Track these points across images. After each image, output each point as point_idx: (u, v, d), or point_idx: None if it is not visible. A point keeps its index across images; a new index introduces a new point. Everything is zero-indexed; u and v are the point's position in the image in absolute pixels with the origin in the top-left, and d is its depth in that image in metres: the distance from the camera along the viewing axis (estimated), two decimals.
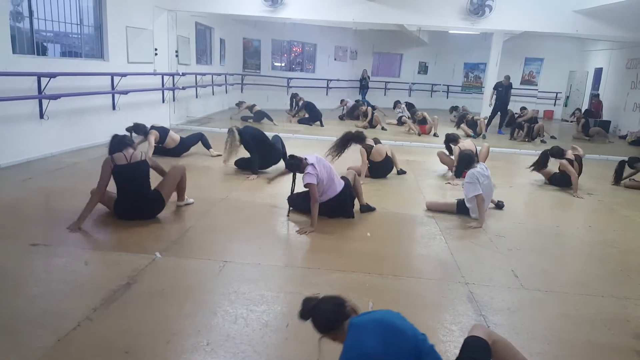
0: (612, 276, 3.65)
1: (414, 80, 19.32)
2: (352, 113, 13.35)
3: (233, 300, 2.89)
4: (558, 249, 4.20)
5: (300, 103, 12.43)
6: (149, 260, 3.37)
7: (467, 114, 12.35)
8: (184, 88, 10.38)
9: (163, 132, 6.84)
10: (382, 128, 11.60)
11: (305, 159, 4.34)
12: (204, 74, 11.75)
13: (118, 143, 4.06)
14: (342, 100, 14.21)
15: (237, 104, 12.06)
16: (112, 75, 7.76)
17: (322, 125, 11.55)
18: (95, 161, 6.43)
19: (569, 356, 2.54)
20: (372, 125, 11.72)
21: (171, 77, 9.96)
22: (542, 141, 10.99)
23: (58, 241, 3.67)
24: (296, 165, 4.38)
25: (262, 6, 9.87)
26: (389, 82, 18.93)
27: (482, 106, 12.77)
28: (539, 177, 6.87)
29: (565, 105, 17.92)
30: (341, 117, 13.44)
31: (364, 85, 17.42)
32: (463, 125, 11.27)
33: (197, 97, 11.68)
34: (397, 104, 13.32)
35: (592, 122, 13.67)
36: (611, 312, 3.01)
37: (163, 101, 9.86)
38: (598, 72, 16.12)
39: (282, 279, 3.23)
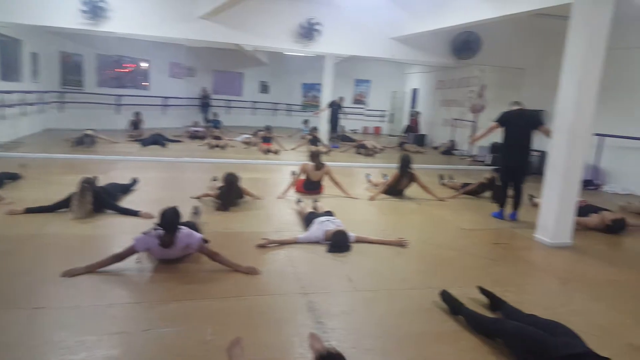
0: (428, 269, 4.15)
1: (256, 99, 19.65)
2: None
3: (45, 352, 2.49)
4: (385, 250, 4.58)
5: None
6: None
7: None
8: None
9: None
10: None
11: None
12: (9, 92, 10.13)
13: None
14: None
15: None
16: None
17: (163, 146, 10.99)
18: None
19: (395, 347, 2.77)
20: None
21: None
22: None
23: None
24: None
25: (80, 18, 8.95)
26: (232, 100, 18.93)
27: (320, 123, 13.66)
28: (373, 188, 7.57)
29: (391, 122, 20.14)
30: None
31: (205, 104, 17.08)
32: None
33: (2, 118, 10.00)
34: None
35: (411, 137, 15.66)
36: (428, 302, 3.38)
37: None
38: (415, 92, 18.55)
39: (106, 320, 2.87)
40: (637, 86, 8.74)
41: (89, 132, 10.14)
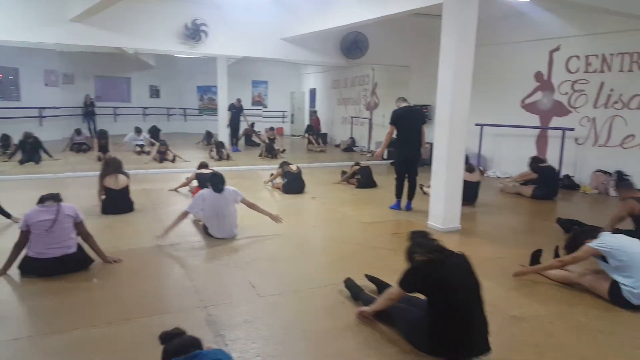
0: (332, 266, 4.17)
1: (146, 104, 18.51)
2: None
3: None
4: (289, 252, 4.54)
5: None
6: None
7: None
8: None
9: None
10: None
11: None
12: None
13: None
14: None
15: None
16: None
17: (37, 163, 9.86)
18: None
19: (299, 349, 2.72)
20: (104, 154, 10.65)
21: None
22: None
23: None
24: None
25: None
26: (119, 107, 17.63)
27: (218, 127, 13.28)
28: (275, 191, 7.57)
29: (292, 122, 20.23)
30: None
31: (90, 112, 15.73)
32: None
33: None
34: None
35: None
36: (333, 299, 3.39)
37: None
38: (312, 92, 18.84)
39: None
40: (505, 78, 9.71)
41: None
